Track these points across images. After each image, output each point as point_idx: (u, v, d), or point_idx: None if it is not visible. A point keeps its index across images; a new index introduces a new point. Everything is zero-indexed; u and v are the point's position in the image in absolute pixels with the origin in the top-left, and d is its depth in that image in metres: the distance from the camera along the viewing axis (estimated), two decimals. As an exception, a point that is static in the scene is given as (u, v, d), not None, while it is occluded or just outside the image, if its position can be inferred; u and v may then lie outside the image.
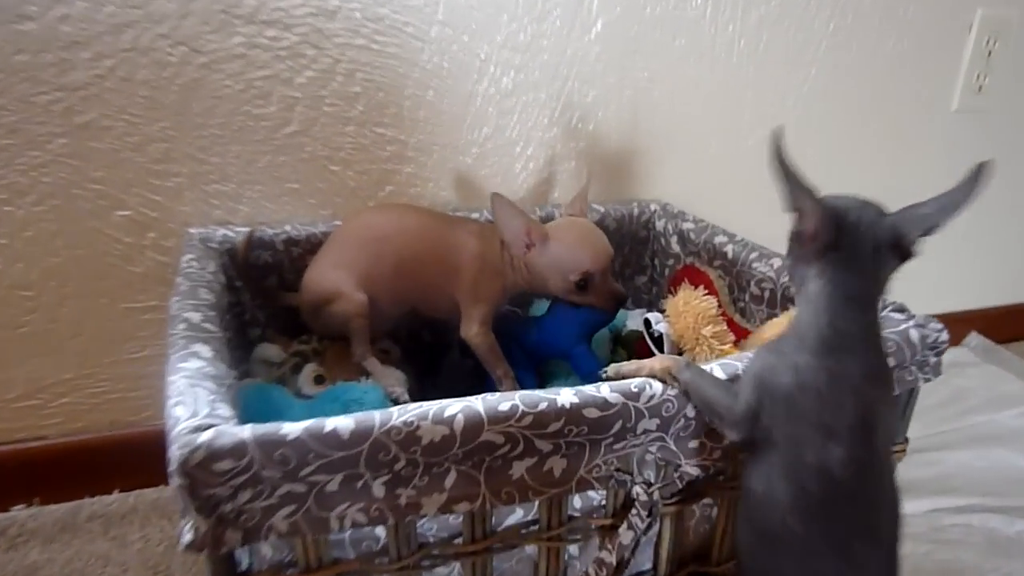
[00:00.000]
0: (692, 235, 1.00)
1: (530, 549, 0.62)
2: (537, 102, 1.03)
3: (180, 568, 0.84)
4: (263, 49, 0.87)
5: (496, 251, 0.82)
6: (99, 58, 0.82)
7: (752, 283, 0.87)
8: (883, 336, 0.54)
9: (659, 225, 1.08)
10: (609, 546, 0.60)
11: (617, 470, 0.57)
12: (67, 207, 0.86)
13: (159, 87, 0.85)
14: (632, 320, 1.01)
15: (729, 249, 0.92)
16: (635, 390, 0.56)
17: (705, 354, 0.79)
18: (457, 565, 0.60)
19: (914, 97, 1.27)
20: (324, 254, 0.85)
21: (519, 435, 0.52)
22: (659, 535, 0.65)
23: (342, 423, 0.48)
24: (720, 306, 0.85)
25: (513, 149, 1.04)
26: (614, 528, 0.61)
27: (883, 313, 0.67)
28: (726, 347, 0.81)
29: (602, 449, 0.56)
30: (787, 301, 0.82)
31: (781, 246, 0.81)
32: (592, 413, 0.54)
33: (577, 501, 0.62)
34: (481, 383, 0.86)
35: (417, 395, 0.82)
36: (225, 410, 0.51)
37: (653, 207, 1.09)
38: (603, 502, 0.62)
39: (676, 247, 1.04)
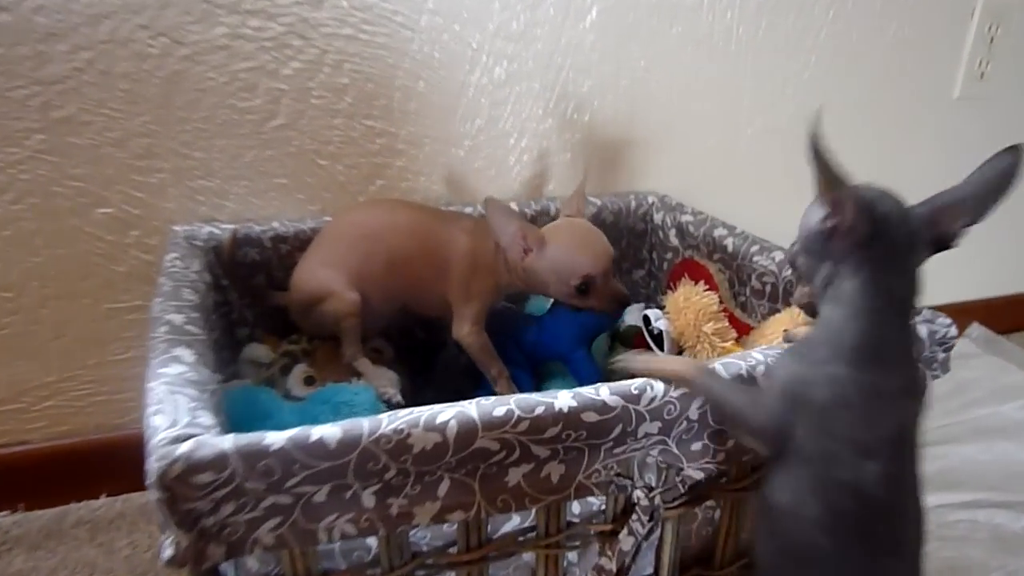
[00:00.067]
0: (691, 228, 0.98)
1: (528, 556, 0.60)
2: (531, 92, 1.00)
3: (168, 576, 0.82)
4: (247, 40, 0.85)
5: (489, 248, 0.79)
6: (76, 50, 0.79)
7: (753, 277, 0.85)
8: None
9: (657, 218, 1.06)
10: (609, 552, 0.59)
11: (617, 475, 0.55)
12: (46, 205, 0.83)
13: (140, 80, 0.83)
14: (630, 315, 0.99)
15: (729, 242, 0.90)
16: (635, 392, 0.53)
17: (706, 352, 0.77)
18: (452, 574, 0.58)
19: (915, 84, 1.25)
20: (313, 251, 0.83)
21: (515, 441, 0.50)
22: (661, 539, 0.63)
23: (328, 432, 0.46)
24: (721, 302, 0.82)
25: (507, 141, 1.02)
26: (614, 534, 0.59)
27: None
28: (728, 344, 0.79)
29: (601, 454, 0.54)
30: (789, 296, 0.80)
31: (782, 239, 0.80)
32: (591, 417, 0.52)
33: (576, 507, 0.60)
34: (477, 381, 0.84)
35: (410, 394, 0.80)
36: (207, 418, 0.49)
37: (651, 199, 1.07)
38: (603, 507, 0.60)
39: (675, 240, 1.02)
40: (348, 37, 0.89)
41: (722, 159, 1.15)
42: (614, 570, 0.58)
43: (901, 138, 1.28)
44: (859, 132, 1.22)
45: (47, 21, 0.78)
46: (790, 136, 1.17)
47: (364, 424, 0.47)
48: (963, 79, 1.27)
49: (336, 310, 0.79)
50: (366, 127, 0.93)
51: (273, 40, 0.86)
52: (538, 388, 0.84)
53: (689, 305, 0.80)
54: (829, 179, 0.48)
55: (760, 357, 0.58)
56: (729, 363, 0.57)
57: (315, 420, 0.70)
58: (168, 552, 0.45)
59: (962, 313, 1.44)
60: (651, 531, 0.58)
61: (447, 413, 0.49)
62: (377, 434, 0.46)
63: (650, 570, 0.64)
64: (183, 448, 0.44)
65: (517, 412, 0.50)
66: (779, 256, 0.83)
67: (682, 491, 0.59)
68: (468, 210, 0.95)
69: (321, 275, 0.80)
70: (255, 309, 0.89)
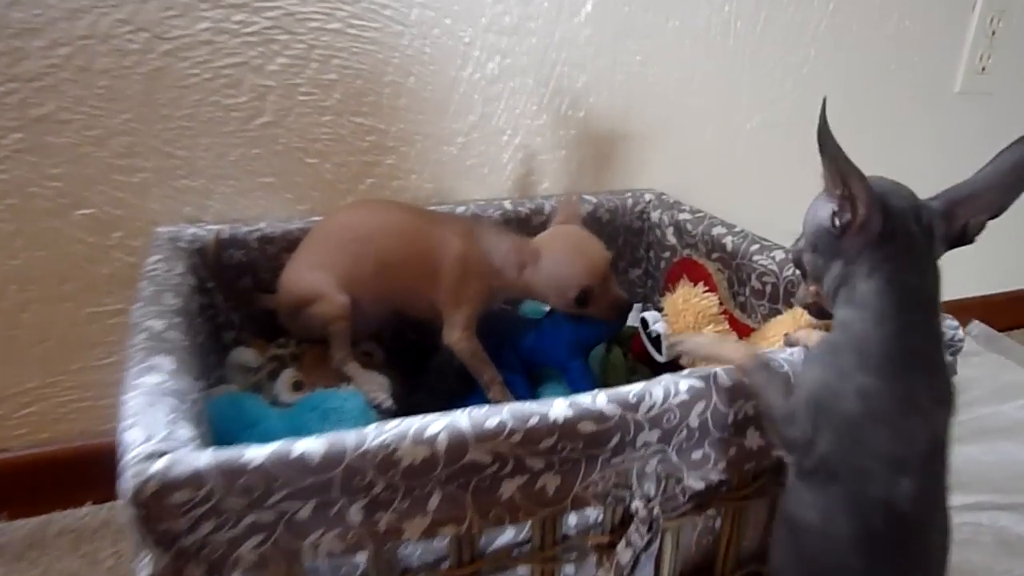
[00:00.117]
0: (689, 226, 0.96)
1: (522, 571, 0.57)
2: (525, 88, 0.98)
3: (154, 586, 0.80)
4: (231, 35, 0.82)
5: (482, 252, 0.78)
6: (54, 46, 0.77)
7: (753, 277, 0.83)
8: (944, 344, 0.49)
9: (654, 216, 1.04)
10: (607, 564, 0.57)
11: (615, 485, 0.53)
12: (25, 206, 0.81)
13: (120, 76, 0.80)
14: (627, 316, 0.97)
15: (728, 241, 0.88)
16: (633, 400, 0.51)
17: (706, 355, 0.75)
18: (444, 590, 0.56)
19: (916, 78, 1.24)
20: (302, 253, 0.81)
21: (508, 453, 0.48)
22: (660, 550, 0.61)
23: (311, 447, 0.44)
24: (721, 303, 0.80)
25: (500, 138, 1.00)
26: (612, 546, 0.57)
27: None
28: (727, 346, 0.77)
29: (599, 464, 0.52)
30: (790, 296, 0.79)
31: (783, 237, 0.78)
32: (587, 427, 0.50)
33: (572, 518, 0.58)
34: (470, 385, 0.82)
35: (403, 398, 0.78)
36: (187, 430, 0.47)
37: (648, 197, 1.05)
38: (600, 518, 0.58)
39: (672, 239, 1.00)
40: (336, 31, 0.86)
41: (720, 155, 1.14)
42: (612, 583, 0.56)
43: (901, 133, 1.27)
44: (859, 127, 1.21)
45: (23, 16, 0.75)
46: (790, 131, 1.16)
47: (349, 438, 0.45)
48: (964, 73, 1.26)
49: (325, 313, 0.77)
50: (355, 124, 0.91)
51: (258, 35, 0.83)
52: (534, 392, 0.82)
53: (688, 307, 0.78)
54: (840, 172, 0.45)
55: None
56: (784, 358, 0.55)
57: (302, 428, 0.69)
58: (145, 573, 0.43)
59: (961, 310, 1.42)
60: (650, 542, 0.56)
61: (436, 425, 0.46)
62: (363, 449, 0.44)
63: (649, 581, 0.62)
64: (158, 465, 0.42)
65: (510, 423, 0.48)
66: (779, 255, 0.81)
67: (682, 501, 0.57)
68: (460, 210, 0.93)
69: (309, 277, 0.78)
70: (242, 312, 0.87)
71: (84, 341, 0.87)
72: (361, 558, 0.53)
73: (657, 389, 0.53)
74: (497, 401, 0.76)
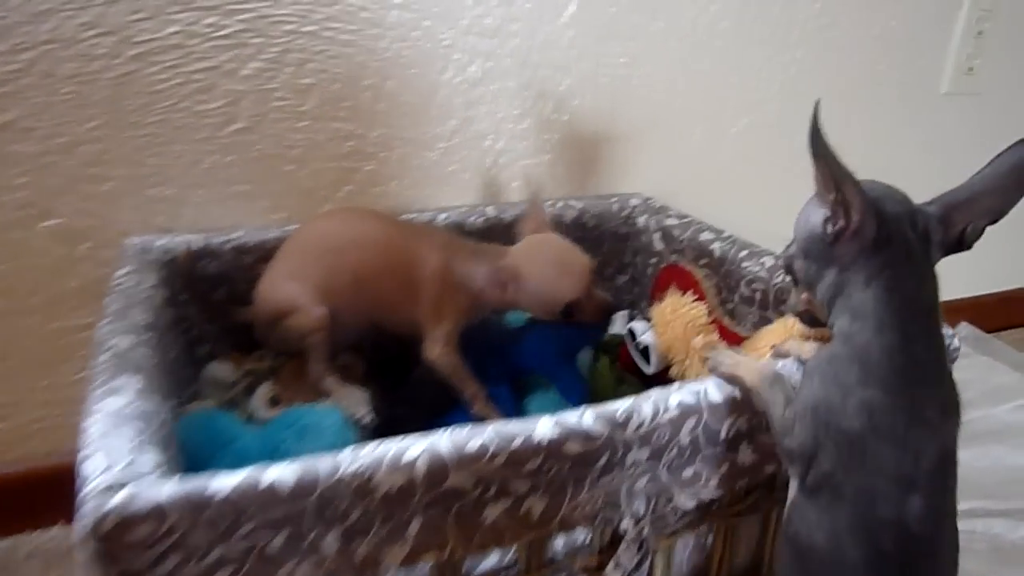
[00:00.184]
0: (676, 232, 0.94)
1: (508, 595, 0.55)
2: (507, 92, 0.96)
3: (127, 611, 0.77)
4: (202, 38, 0.80)
5: (462, 266, 0.76)
6: (15, 51, 0.74)
7: (742, 283, 0.81)
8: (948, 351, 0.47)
9: (641, 221, 1.02)
10: (596, 587, 0.55)
11: (604, 506, 0.51)
12: (-13, 217, 0.78)
13: (87, 82, 0.77)
14: (614, 323, 0.95)
15: (716, 247, 0.86)
16: (621, 418, 0.49)
17: (696, 367, 0.73)
18: (426, 618, 0.53)
19: (902, 79, 1.23)
20: (278, 264, 0.78)
21: (491, 476, 0.46)
22: (651, 570, 0.59)
23: (281, 475, 0.41)
24: (710, 312, 0.79)
25: (482, 143, 0.97)
26: (601, 568, 0.55)
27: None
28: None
29: (587, 485, 0.50)
30: (780, 303, 0.77)
31: (773, 243, 0.77)
32: (574, 448, 0.48)
33: (559, 540, 0.56)
34: (453, 398, 0.79)
35: (384, 411, 0.76)
36: (152, 456, 0.44)
37: (634, 202, 1.03)
38: (588, 540, 0.56)
39: (659, 245, 0.98)
40: (311, 34, 0.84)
41: (707, 158, 1.12)
42: (601, 607, 0.54)
43: (888, 134, 1.26)
44: (845, 128, 1.19)
45: (-18, 19, 0.72)
46: (778, 133, 1.14)
47: (322, 465, 0.42)
48: (951, 74, 1.25)
49: (302, 325, 0.74)
50: (333, 130, 0.89)
51: (230, 38, 0.81)
52: (520, 404, 0.79)
53: (677, 317, 0.76)
54: (833, 176, 0.44)
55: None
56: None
57: (278, 446, 0.67)
58: (106, 611, 0.41)
59: (950, 312, 1.40)
60: (640, 563, 0.55)
61: (415, 449, 0.44)
62: (336, 477, 0.42)
63: (640, 602, 0.60)
64: (116, 499, 0.39)
65: (492, 445, 0.45)
66: (769, 262, 0.79)
67: (673, 519, 0.55)
68: (443, 217, 0.91)
69: (286, 288, 0.75)
70: (216, 325, 0.84)
71: (52, 357, 0.84)
72: (338, 586, 0.51)
73: (646, 406, 0.51)
74: (481, 416, 0.74)
